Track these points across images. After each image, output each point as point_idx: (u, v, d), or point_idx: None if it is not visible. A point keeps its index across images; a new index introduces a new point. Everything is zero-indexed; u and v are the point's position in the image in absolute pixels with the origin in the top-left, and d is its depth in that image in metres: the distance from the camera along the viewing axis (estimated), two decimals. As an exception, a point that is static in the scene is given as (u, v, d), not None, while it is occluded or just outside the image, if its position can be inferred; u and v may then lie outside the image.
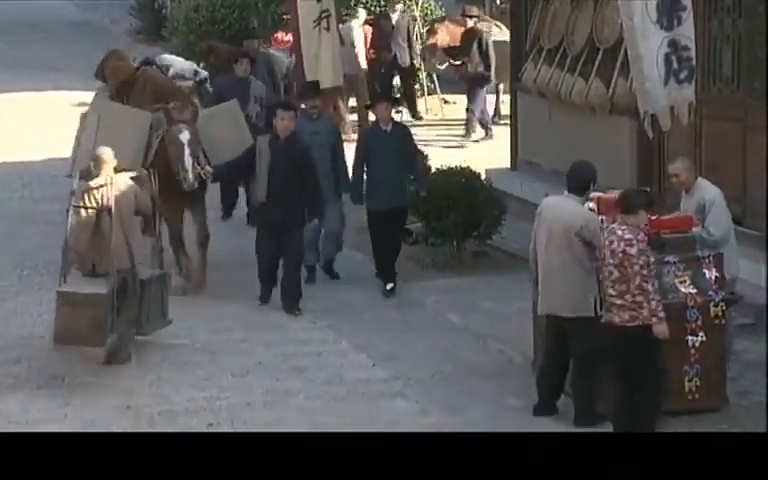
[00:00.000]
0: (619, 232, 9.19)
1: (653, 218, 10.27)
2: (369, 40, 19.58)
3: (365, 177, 12.88)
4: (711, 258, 9.91)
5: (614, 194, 10.41)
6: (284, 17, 18.89)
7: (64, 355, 11.26)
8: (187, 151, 12.19)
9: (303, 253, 12.39)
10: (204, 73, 15.24)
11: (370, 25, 19.92)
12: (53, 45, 27.48)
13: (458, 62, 19.02)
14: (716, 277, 9.89)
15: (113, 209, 10.86)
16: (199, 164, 12.29)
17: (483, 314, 12.11)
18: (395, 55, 19.44)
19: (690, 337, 9.77)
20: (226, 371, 10.93)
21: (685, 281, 9.88)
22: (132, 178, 11.35)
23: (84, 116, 13.10)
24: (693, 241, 10.05)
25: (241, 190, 14.93)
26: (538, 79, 14.93)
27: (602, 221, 9.94)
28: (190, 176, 12.16)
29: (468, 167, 13.71)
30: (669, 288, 9.83)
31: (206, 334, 11.73)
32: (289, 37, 17.56)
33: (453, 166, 13.69)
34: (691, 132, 12.27)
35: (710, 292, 9.79)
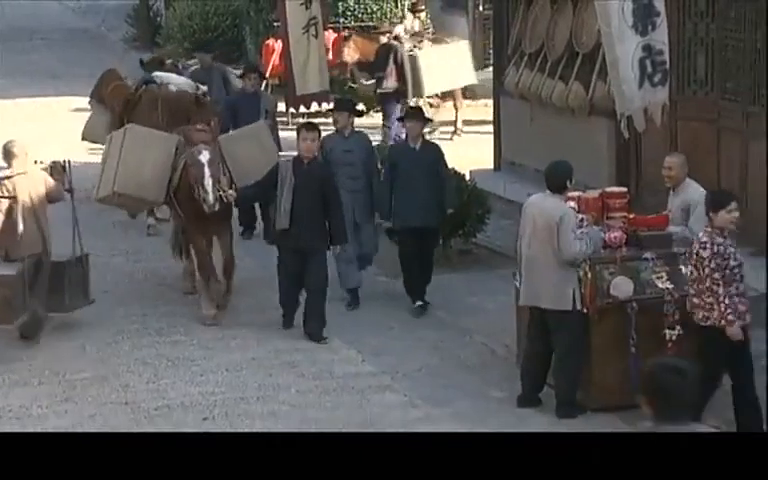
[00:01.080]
0: (700, 233, 9.29)
1: (632, 217, 10.33)
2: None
3: (393, 195, 12.07)
4: (688, 254, 9.94)
5: (594, 193, 10.48)
6: (275, 24, 18.88)
7: (63, 353, 11.29)
8: (207, 172, 11.41)
9: (326, 279, 11.50)
10: (204, 88, 14.56)
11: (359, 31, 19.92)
12: (52, 52, 27.45)
13: (370, 80, 18.28)
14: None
15: (25, 198, 11.26)
16: (220, 186, 11.49)
17: (468, 309, 12.14)
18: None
19: (668, 331, 9.79)
20: (220, 367, 10.95)
21: (662, 277, 9.92)
22: (44, 168, 11.60)
23: (110, 139, 12.42)
24: (670, 238, 10.09)
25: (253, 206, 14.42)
26: (520, 83, 14.95)
27: (582, 220, 9.99)
28: (210, 197, 11.33)
29: (453, 168, 13.72)
30: (647, 283, 9.88)
31: (201, 331, 11.74)
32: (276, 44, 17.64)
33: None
34: (667, 133, 12.32)
35: (686, 287, 9.82)
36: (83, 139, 15.47)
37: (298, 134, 11.56)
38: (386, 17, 20.54)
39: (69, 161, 12.08)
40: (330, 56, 18.37)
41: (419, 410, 10.02)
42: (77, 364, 11.06)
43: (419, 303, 11.99)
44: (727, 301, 9.09)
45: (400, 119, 13.31)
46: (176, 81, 14.59)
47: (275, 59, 19.84)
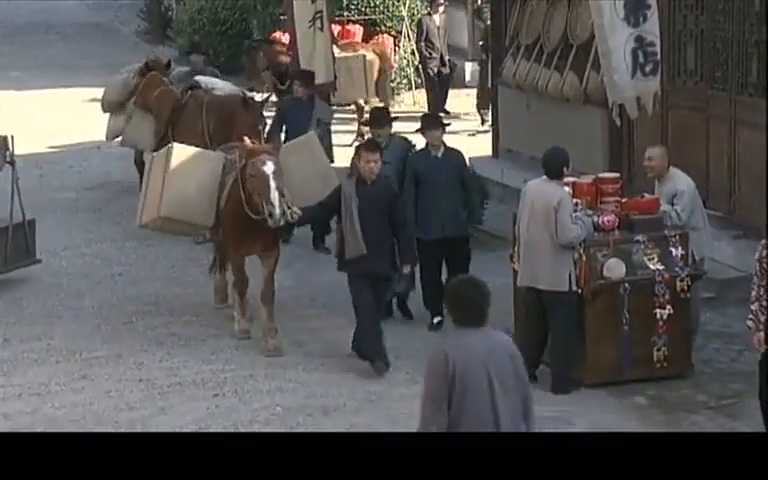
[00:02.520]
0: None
1: (624, 201, 10.37)
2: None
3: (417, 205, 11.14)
4: (678, 237, 9.99)
5: (588, 179, 10.52)
6: (281, 17, 18.88)
7: (80, 332, 11.35)
8: (273, 184, 10.24)
9: (384, 304, 10.69)
10: (249, 94, 13.55)
11: (361, 25, 19.93)
12: (67, 45, 27.46)
13: (283, 86, 17.12)
14: (682, 255, 9.98)
15: None
16: (285, 200, 10.37)
17: (467, 290, 12.15)
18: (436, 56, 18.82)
19: (658, 310, 9.84)
20: (230, 346, 10.98)
21: (653, 258, 9.96)
22: None
23: (152, 161, 11.38)
24: (660, 222, 10.13)
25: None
26: (517, 73, 14.99)
27: (577, 205, 10.03)
28: (277, 211, 10.18)
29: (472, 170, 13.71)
30: (639, 265, 9.92)
31: (212, 312, 11.79)
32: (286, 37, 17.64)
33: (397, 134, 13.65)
34: (658, 121, 12.34)
35: (676, 268, 9.88)
36: (122, 145, 14.77)
37: (358, 154, 10.46)
38: (388, 10, 20.52)
39: (12, 136, 12.21)
40: (335, 48, 18.40)
41: (421, 386, 10.04)
42: (93, 343, 11.12)
43: (438, 319, 11.06)
44: None
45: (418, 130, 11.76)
46: (221, 86, 13.88)
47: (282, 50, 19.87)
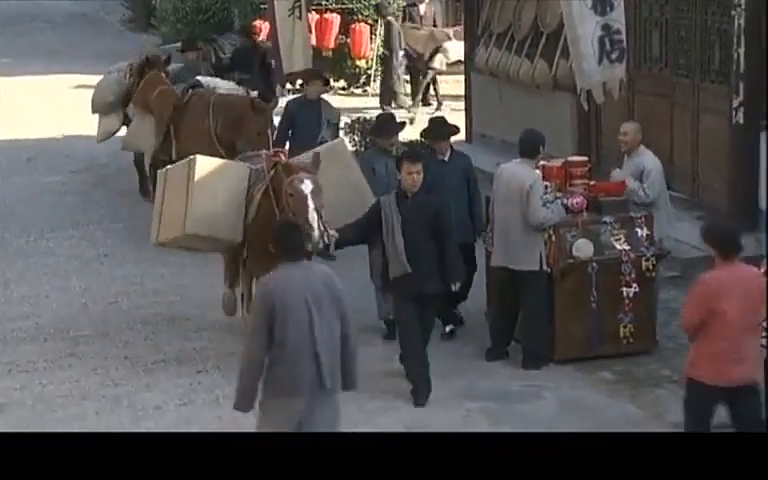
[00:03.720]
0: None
1: (592, 183, 10.38)
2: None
3: None
4: (643, 218, 10.01)
5: (557, 162, 10.52)
6: (262, 6, 18.82)
7: (67, 311, 11.30)
8: (311, 204, 9.06)
9: (432, 326, 9.58)
10: (254, 93, 12.69)
11: (339, 13, 19.87)
12: (54, 33, 27.34)
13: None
14: (647, 235, 10.00)
15: None
16: (323, 221, 9.12)
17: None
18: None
19: (624, 289, 9.87)
20: (213, 324, 10.94)
21: (620, 239, 9.97)
22: None
23: (167, 173, 10.17)
24: (627, 203, 10.14)
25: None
26: (489, 61, 14.98)
27: (547, 188, 10.03)
28: (315, 233, 8.94)
29: (423, 141, 13.71)
30: (606, 245, 9.93)
31: (195, 293, 11.75)
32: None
33: (413, 140, 13.67)
34: (624, 106, 12.35)
35: (642, 248, 9.90)
36: (123, 148, 13.99)
37: (399, 166, 9.38)
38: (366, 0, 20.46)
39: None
40: (313, 38, 18.36)
41: (395, 363, 10.06)
42: (80, 322, 11.07)
43: (450, 327, 10.44)
44: None
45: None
46: (223, 86, 13.10)
47: (263, 39, 19.81)
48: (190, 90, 12.79)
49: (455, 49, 18.37)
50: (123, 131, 14.31)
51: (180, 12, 23.09)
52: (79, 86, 20.01)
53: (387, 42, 18.85)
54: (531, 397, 9.36)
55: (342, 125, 14.33)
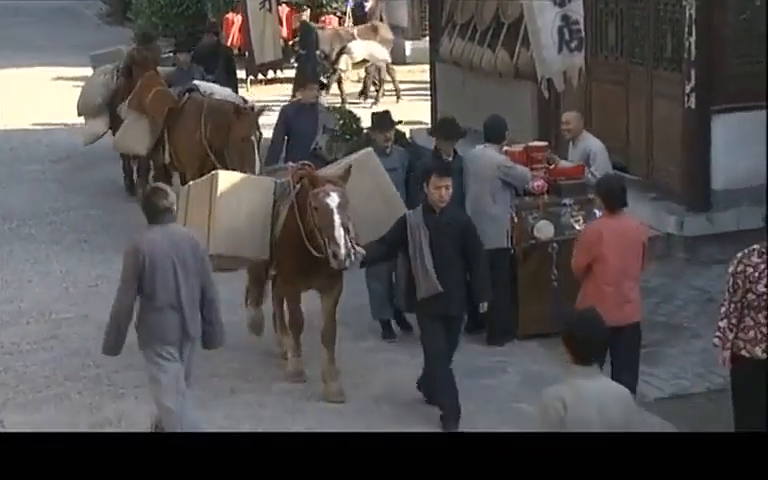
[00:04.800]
0: None
1: (552, 167, 10.39)
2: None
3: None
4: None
5: (519, 147, 10.53)
6: (234, 1, 18.73)
7: (49, 295, 11.22)
8: (337, 220, 8.28)
9: (458, 344, 8.71)
10: (250, 100, 12.33)
11: (309, 6, 19.79)
12: (35, 27, 27.11)
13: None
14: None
15: None
16: (350, 237, 8.36)
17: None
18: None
19: (584, 267, 9.89)
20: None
21: (579, 220, 9.99)
22: None
23: (189, 190, 9.40)
24: (585, 186, 10.16)
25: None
26: (453, 50, 14.96)
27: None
28: (342, 252, 8.22)
29: (397, 129, 13.67)
30: (566, 226, 9.96)
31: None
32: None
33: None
34: (582, 93, 12.37)
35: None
36: (114, 149, 13.31)
37: (427, 180, 8.45)
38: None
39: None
40: (284, 29, 18.29)
41: (369, 342, 10.04)
42: (61, 305, 10.99)
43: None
44: None
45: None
46: (220, 91, 12.53)
47: (235, 31, 19.74)
48: (186, 94, 12.23)
49: (360, 49, 18.04)
50: (110, 134, 13.91)
51: (155, 5, 22.94)
52: (59, 78, 19.88)
53: (302, 41, 18.26)
54: (497, 372, 9.38)
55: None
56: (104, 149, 14.92)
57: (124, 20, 25.75)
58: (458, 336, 8.67)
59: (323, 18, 19.95)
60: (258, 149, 10.87)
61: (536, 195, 10.00)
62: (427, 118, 16.06)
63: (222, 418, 8.65)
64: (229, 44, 18.96)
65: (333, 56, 18.36)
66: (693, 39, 11.63)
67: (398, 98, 18.66)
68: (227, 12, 20.33)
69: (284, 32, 18.40)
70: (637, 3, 12.54)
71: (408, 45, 20.99)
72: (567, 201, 9.98)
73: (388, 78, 19.08)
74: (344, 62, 18.24)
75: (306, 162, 9.31)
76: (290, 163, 9.49)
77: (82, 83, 15.21)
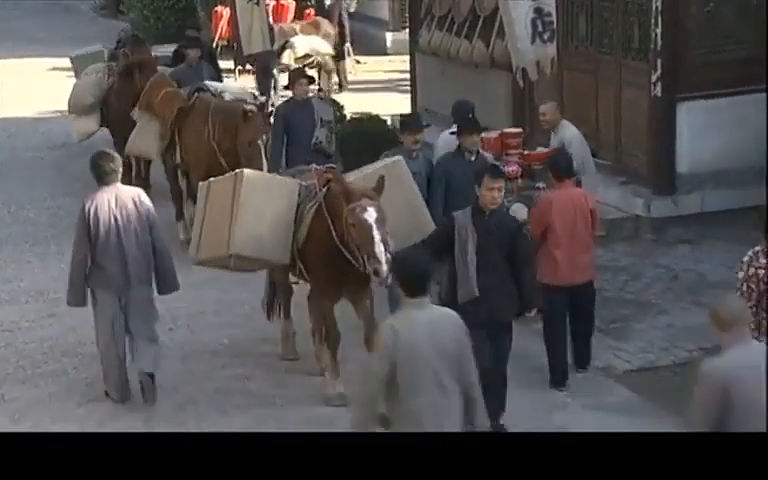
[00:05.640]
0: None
1: (526, 153, 10.43)
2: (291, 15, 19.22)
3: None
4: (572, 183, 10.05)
5: (494, 134, 10.57)
6: (223, -6, 18.70)
7: (47, 275, 11.20)
8: (377, 236, 7.66)
9: (507, 357, 7.92)
10: (263, 98, 11.80)
11: (294, 0, 19.74)
12: (31, 20, 26.93)
13: None
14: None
15: None
16: (388, 250, 7.68)
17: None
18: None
19: (556, 248, 9.94)
20: (182, 285, 10.78)
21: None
22: None
23: (211, 186, 8.79)
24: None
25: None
26: (432, 41, 14.96)
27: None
28: (384, 268, 7.58)
29: (377, 115, 13.75)
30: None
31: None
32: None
33: (365, 114, 13.67)
34: (555, 82, 12.38)
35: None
36: (128, 153, 12.24)
37: (479, 180, 7.81)
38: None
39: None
40: (271, 20, 18.22)
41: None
42: (59, 285, 10.87)
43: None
44: None
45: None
46: (232, 89, 12.10)
47: (224, 24, 19.68)
48: (195, 93, 11.68)
49: (302, 43, 17.73)
50: (102, 131, 13.69)
51: (147, -1, 22.87)
52: (54, 68, 19.78)
53: None
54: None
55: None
56: (99, 137, 14.88)
57: (117, 13, 25.62)
58: (507, 341, 7.86)
59: (307, 12, 19.90)
60: (266, 152, 10.47)
61: (510, 179, 10.03)
62: (407, 105, 16.06)
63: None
64: (218, 37, 18.91)
65: (276, 51, 17.59)
66: (659, 30, 11.67)
67: (341, 89, 18.29)
68: (215, 5, 20.26)
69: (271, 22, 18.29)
70: (606, -4, 12.57)
71: (389, 36, 20.96)
72: (540, 184, 10.02)
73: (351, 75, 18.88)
74: (287, 56, 17.82)
75: (331, 165, 8.87)
76: (314, 165, 8.90)
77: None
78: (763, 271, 7.01)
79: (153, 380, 8.55)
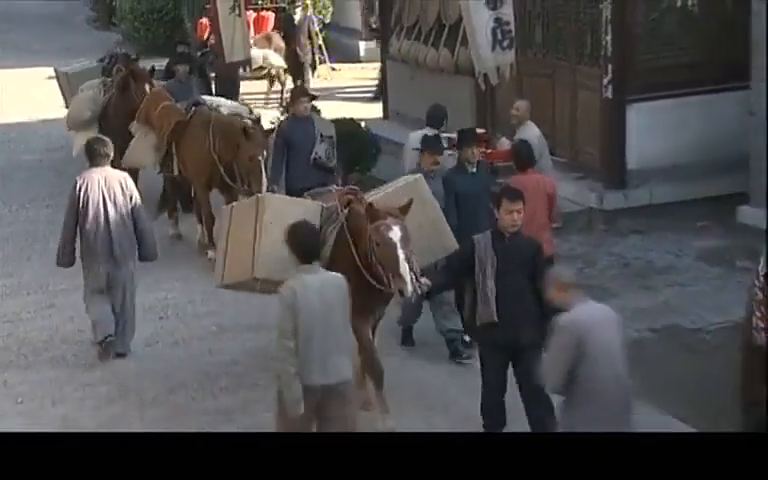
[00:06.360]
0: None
1: (489, 152, 10.48)
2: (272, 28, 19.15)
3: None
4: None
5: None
6: (207, 6, 18.61)
7: (47, 269, 11.15)
8: (401, 255, 7.16)
9: (535, 376, 6.90)
10: (258, 113, 11.33)
11: (273, 12, 19.70)
12: (28, 33, 26.72)
13: None
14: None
15: None
16: (414, 270, 7.23)
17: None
18: (296, 51, 17.78)
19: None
20: (172, 277, 10.88)
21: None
22: None
23: (233, 210, 8.27)
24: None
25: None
26: (401, 49, 14.99)
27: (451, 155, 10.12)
28: (409, 288, 7.11)
29: (352, 118, 13.76)
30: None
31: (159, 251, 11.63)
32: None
33: (341, 117, 13.66)
34: (514, 86, 12.45)
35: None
36: (125, 164, 11.31)
37: (498, 203, 7.25)
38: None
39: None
40: (252, 31, 18.20)
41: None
42: (58, 278, 10.87)
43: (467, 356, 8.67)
44: None
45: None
46: (226, 104, 11.67)
47: (210, 34, 19.60)
48: (193, 107, 11.28)
49: (257, 55, 17.19)
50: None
51: (137, 11, 22.73)
52: (51, 77, 19.64)
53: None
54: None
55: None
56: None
57: (110, 25, 25.49)
58: (536, 358, 6.97)
59: (264, 15, 19.84)
60: (265, 167, 10.16)
61: (474, 175, 10.07)
62: (379, 109, 16.09)
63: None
64: (207, 45, 18.81)
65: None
66: (609, 38, 11.77)
67: (281, 104, 18.08)
68: (201, 17, 20.20)
69: (252, 33, 18.26)
70: (560, 6, 12.65)
71: (362, 45, 20.97)
72: (502, 180, 10.06)
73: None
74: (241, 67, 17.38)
75: (354, 187, 8.38)
76: (334, 186, 8.57)
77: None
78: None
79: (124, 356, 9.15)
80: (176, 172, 11.42)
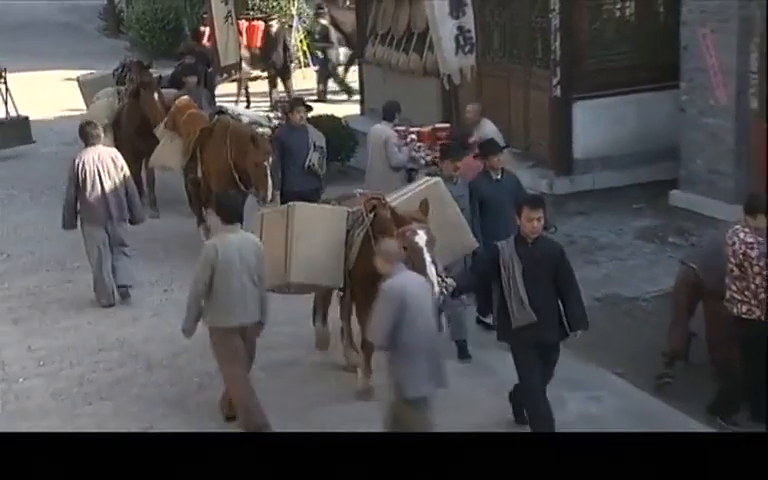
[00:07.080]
0: (741, 235, 6.81)
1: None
2: (260, 38, 19.01)
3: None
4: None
5: (427, 128, 10.69)
6: (203, 16, 18.55)
7: (64, 247, 11.12)
8: (428, 258, 6.71)
9: (551, 376, 6.89)
10: (275, 121, 10.98)
11: (263, 21, 19.64)
12: (43, 40, 26.50)
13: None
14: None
15: None
16: (439, 272, 6.81)
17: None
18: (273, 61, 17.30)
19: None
20: (178, 254, 10.87)
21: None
22: None
23: (264, 218, 7.81)
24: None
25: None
26: (376, 54, 15.03)
27: (412, 140, 10.31)
28: (436, 290, 6.67)
29: (333, 114, 13.79)
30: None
31: (165, 229, 11.56)
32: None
33: (323, 114, 13.68)
34: (475, 86, 12.52)
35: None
36: (151, 165, 11.55)
37: (519, 211, 6.80)
38: (282, 10, 20.25)
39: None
40: (244, 39, 18.12)
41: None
42: (75, 256, 10.82)
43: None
44: None
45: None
46: (247, 113, 11.37)
47: (205, 41, 19.52)
48: (216, 116, 10.90)
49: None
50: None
51: (142, 21, 22.61)
52: (66, 79, 19.54)
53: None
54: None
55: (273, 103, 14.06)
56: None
57: (118, 33, 25.32)
58: (555, 360, 6.86)
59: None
60: (270, 172, 9.66)
61: (429, 165, 10.15)
62: (357, 107, 16.12)
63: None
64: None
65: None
66: (558, 44, 11.85)
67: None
68: (199, 26, 20.11)
69: (244, 41, 18.16)
70: (516, 16, 12.72)
71: (342, 50, 20.95)
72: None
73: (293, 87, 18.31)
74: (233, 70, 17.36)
75: (377, 193, 7.82)
76: (359, 191, 8.17)
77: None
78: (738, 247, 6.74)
79: (128, 289, 9.70)
80: (200, 175, 11.05)
